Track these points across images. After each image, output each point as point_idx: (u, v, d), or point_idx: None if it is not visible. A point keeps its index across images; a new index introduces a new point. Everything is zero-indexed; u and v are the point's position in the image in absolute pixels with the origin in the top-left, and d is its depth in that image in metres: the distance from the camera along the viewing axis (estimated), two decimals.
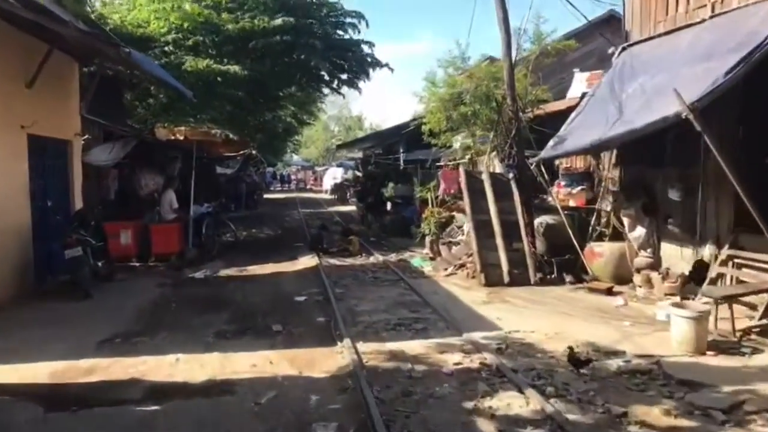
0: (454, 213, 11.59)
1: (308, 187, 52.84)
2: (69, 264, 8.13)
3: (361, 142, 30.19)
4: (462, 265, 9.82)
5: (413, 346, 5.96)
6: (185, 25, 13.01)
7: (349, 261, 11.86)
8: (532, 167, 9.91)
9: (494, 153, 10.44)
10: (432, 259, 11.17)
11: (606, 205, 10.56)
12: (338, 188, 33.01)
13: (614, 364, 5.35)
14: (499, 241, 9.27)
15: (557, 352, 5.69)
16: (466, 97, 10.17)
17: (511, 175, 9.95)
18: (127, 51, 6.59)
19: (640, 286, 8.37)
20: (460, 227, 11.18)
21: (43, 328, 6.92)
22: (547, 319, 6.92)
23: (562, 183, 11.79)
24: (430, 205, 11.91)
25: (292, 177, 62.71)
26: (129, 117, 13.79)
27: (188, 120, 12.26)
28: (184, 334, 6.61)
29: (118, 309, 7.80)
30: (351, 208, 26.93)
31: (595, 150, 9.30)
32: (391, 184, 21.46)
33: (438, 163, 12.21)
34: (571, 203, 11.16)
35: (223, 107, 13.01)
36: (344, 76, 15.39)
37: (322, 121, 57.07)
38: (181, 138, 11.71)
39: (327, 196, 38.35)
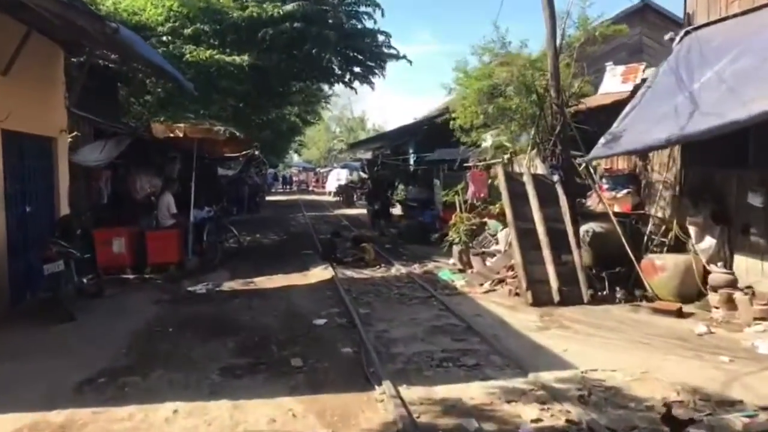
0: (485, 219, 10.38)
1: (310, 188, 51.59)
2: (49, 281, 6.92)
3: (372, 141, 28.98)
4: (501, 281, 8.62)
5: (471, 392, 4.75)
6: (184, 11, 11.81)
7: (366, 272, 10.64)
8: (580, 168, 8.75)
9: (534, 152, 9.23)
10: (462, 271, 9.96)
11: (656, 210, 9.40)
12: (344, 190, 31.79)
13: (736, 422, 4.14)
14: (546, 253, 8.06)
15: (654, 401, 4.50)
16: (507, 88, 8.95)
17: (556, 178, 8.76)
18: (114, 26, 5.41)
19: (716, 308, 7.17)
20: (493, 236, 9.97)
21: (13, 360, 5.73)
22: (624, 352, 5.72)
23: (605, 186, 10.61)
24: (458, 210, 10.70)
25: (294, 178, 61.57)
26: (124, 113, 12.56)
27: (188, 116, 11.07)
28: (184, 372, 5.41)
29: (106, 335, 6.59)
30: (358, 211, 25.73)
31: (672, 146, 8.07)
32: (401, 187, 20.29)
33: (466, 164, 11.00)
34: (616, 208, 10.00)
35: (226, 103, 11.78)
36: (358, 70, 14.17)
37: (323, 122, 56.00)
38: (181, 135, 10.50)
39: (331, 198, 37.13)
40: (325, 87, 15.05)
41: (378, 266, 11.10)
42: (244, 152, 17.66)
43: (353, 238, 13.10)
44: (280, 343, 6.27)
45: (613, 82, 11.80)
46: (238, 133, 10.48)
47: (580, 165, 8.69)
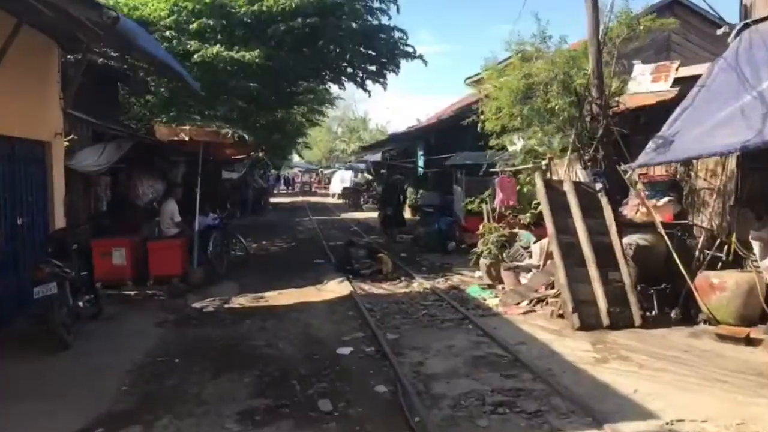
0: (516, 230, 9.60)
1: (313, 190, 50.75)
2: (40, 305, 6.12)
3: (385, 144, 28.22)
4: (540, 300, 7.83)
5: None
6: (189, 5, 11.01)
7: (386, 287, 9.84)
8: (626, 176, 7.97)
9: (572, 156, 8.44)
10: (491, 286, 9.16)
11: (702, 221, 8.62)
12: (351, 193, 30.99)
13: None
14: (592, 270, 7.28)
15: None
16: (546, 87, 8.13)
17: (599, 186, 7.97)
18: (113, 15, 4.63)
19: None
20: (526, 248, 9.18)
21: None
22: (704, 393, 4.93)
23: (643, 194, 9.84)
24: (486, 219, 9.91)
25: (296, 180, 60.77)
26: (124, 114, 11.76)
27: (194, 118, 10.28)
28: (195, 418, 4.63)
29: (104, 368, 5.80)
30: (367, 215, 24.95)
31: (751, 151, 7.26)
32: (410, 190, 19.54)
33: (492, 170, 10.19)
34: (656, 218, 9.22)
35: (234, 103, 10.98)
36: (371, 68, 13.35)
37: (325, 123, 55.15)
38: (186, 138, 9.71)
39: (335, 201, 36.38)
40: (336, 87, 14.17)
41: (398, 279, 10.31)
42: (249, 154, 16.95)
43: (368, 247, 12.30)
44: (302, 379, 5.48)
45: (642, 81, 11.03)
46: (246, 136, 9.65)
47: (625, 172, 7.89)
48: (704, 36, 14.51)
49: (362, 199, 29.37)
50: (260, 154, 20.94)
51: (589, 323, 6.95)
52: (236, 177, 22.42)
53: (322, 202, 36.12)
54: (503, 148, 10.38)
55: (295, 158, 64.86)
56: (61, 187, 8.58)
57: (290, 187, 56.31)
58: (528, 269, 8.60)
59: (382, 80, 13.60)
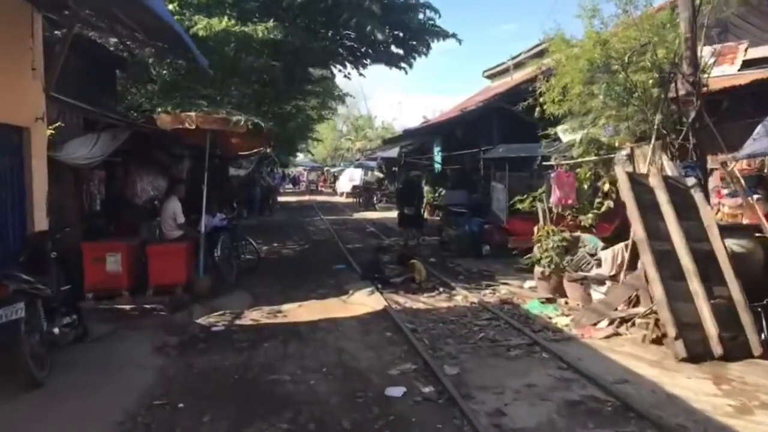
0: (578, 234, 8.17)
1: (319, 189, 49.32)
2: (4, 331, 4.73)
3: (397, 140, 26.80)
4: (625, 320, 6.39)
5: None
6: None
7: (424, 299, 8.43)
8: (728, 168, 6.55)
9: (656, 145, 6.99)
10: (550, 300, 7.75)
11: None
12: (362, 191, 29.55)
13: None
14: (694, 285, 5.87)
15: None
16: (630, 59, 6.65)
17: (691, 181, 6.56)
18: None
19: None
20: (592, 255, 7.75)
21: None
22: None
23: (723, 191, 8.45)
24: (542, 221, 8.49)
25: (302, 178, 59.44)
26: (122, 104, 10.36)
27: (200, 103, 8.88)
28: None
29: (81, 421, 4.39)
30: (381, 214, 23.55)
31: None
32: (427, 188, 18.14)
33: (547, 163, 8.76)
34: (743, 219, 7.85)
35: (247, 86, 9.53)
36: (397, 51, 11.92)
37: (332, 120, 53.79)
38: (192, 126, 8.31)
39: (344, 200, 34.97)
40: (355, 72, 12.67)
41: (435, 290, 8.90)
42: (256, 150, 15.55)
43: (397, 252, 10.92)
44: None
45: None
46: (263, 123, 8.24)
47: (725, 164, 6.48)
48: (765, 17, 13.09)
49: (375, 198, 27.93)
50: (268, 150, 19.54)
51: (696, 352, 5.53)
52: (243, 174, 21.05)
53: (330, 201, 34.70)
54: (549, 138, 8.96)
55: (300, 157, 63.67)
56: (42, 181, 7.18)
57: (296, 186, 54.98)
58: (600, 281, 7.17)
59: (408, 62, 12.13)
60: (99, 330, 6.74)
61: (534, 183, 10.91)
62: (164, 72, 9.19)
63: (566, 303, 7.61)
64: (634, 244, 7.15)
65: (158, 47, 7.03)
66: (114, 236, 9.36)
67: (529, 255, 8.52)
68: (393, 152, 27.10)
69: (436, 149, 24.67)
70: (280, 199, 32.98)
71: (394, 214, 22.69)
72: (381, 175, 33.58)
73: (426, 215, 16.91)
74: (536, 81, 8.17)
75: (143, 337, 6.59)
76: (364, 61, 12.19)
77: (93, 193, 9.99)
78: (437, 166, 23.56)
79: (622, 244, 7.18)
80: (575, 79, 6.98)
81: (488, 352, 5.91)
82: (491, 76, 24.79)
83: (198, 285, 9.28)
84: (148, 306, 7.77)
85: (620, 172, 6.52)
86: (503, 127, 13.06)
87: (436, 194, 19.58)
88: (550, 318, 7.00)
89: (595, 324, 6.47)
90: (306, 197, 39.93)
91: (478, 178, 16.59)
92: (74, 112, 8.80)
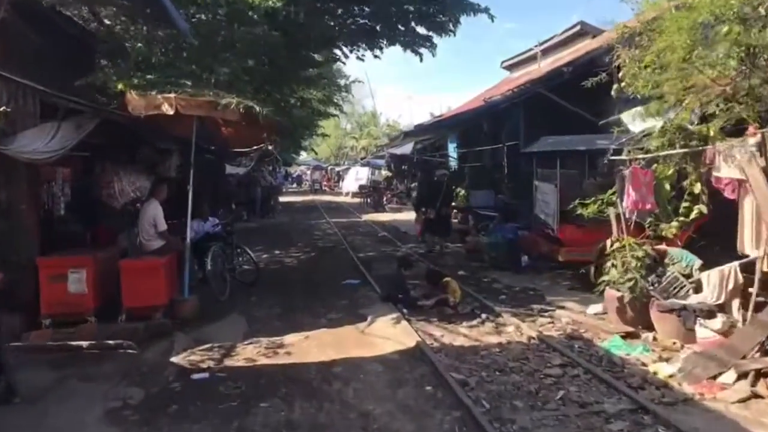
0: (664, 247, 6.41)
1: (324, 188, 47.56)
2: None
3: (406, 136, 25.04)
4: (763, 374, 4.61)
5: None
6: None
7: (465, 331, 6.64)
8: None
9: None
10: (631, 335, 5.97)
11: None
12: (371, 191, 27.75)
13: None
14: None
15: None
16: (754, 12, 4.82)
17: None
18: None
19: None
20: (687, 276, 5.98)
21: None
22: None
23: None
24: (616, 231, 6.71)
25: (305, 177, 57.78)
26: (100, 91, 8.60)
27: (183, 83, 7.13)
28: None
29: None
30: (392, 216, 21.77)
31: None
32: (462, 190, 16.38)
33: (614, 158, 6.92)
34: None
35: (242, 63, 7.73)
36: (420, 30, 10.16)
37: (335, 118, 52.18)
38: (171, 112, 6.58)
39: (350, 200, 33.19)
40: (370, 53, 10.91)
41: (477, 317, 7.12)
42: (257, 146, 13.82)
43: (426, 268, 9.19)
44: None
45: None
46: (259, 108, 6.48)
47: None
48: None
49: (385, 199, 26.13)
50: (270, 147, 17.79)
51: None
52: (242, 173, 19.38)
53: (336, 202, 32.94)
54: (618, 127, 7.19)
55: (303, 155, 62.03)
56: None
57: (298, 185, 53.35)
58: (710, 312, 5.38)
59: (430, 43, 10.39)
60: (40, 379, 5.06)
61: (584, 182, 9.16)
62: (138, 45, 7.44)
63: (655, 339, 5.83)
64: (748, 264, 5.40)
65: (125, 6, 5.27)
66: (80, 247, 7.71)
67: (582, 269, 6.74)
68: (403, 149, 25.36)
69: (451, 146, 22.91)
70: (283, 199, 31.26)
71: (406, 216, 21.00)
72: (389, 174, 31.84)
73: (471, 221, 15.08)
74: (612, 52, 6.36)
75: (96, 393, 4.85)
76: (380, 41, 10.44)
77: (56, 195, 8.32)
78: (452, 163, 21.82)
79: (735, 264, 5.40)
80: (678, 42, 5.16)
81: (579, 425, 4.13)
82: (510, 67, 23.05)
83: (182, 307, 7.60)
84: (112, 342, 6.01)
85: (751, 166, 4.76)
86: (536, 118, 11.33)
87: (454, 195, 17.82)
88: (644, 364, 5.22)
89: (715, 377, 4.70)
90: (309, 197, 38.21)
91: (501, 176, 14.85)
92: (28, 94, 7.09)
